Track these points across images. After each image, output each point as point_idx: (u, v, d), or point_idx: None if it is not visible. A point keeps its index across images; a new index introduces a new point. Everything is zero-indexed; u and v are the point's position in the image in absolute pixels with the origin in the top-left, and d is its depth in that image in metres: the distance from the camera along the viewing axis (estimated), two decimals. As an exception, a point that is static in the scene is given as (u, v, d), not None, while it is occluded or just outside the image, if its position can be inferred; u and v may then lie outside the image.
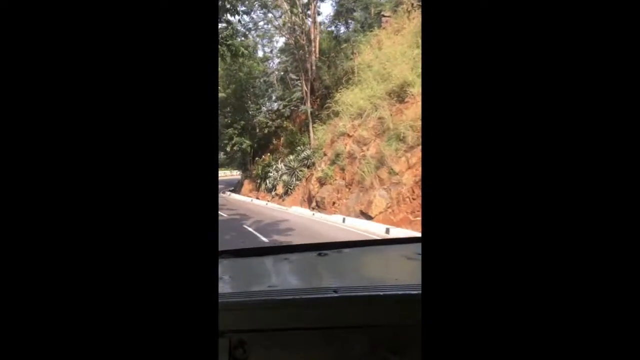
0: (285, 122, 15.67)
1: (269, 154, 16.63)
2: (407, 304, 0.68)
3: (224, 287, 0.86)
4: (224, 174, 35.18)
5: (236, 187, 19.37)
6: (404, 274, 0.98)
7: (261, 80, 18.28)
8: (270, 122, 16.46)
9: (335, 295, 0.70)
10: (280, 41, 18.51)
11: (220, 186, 24.21)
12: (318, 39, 15.22)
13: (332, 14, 20.51)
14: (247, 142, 16.97)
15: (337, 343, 0.69)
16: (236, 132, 17.16)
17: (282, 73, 17.51)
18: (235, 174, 32.01)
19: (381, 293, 0.72)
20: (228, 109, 18.16)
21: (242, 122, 17.65)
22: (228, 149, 17.51)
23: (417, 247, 1.03)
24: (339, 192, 9.44)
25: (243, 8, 13.80)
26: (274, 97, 18.16)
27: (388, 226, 6.90)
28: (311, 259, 1.12)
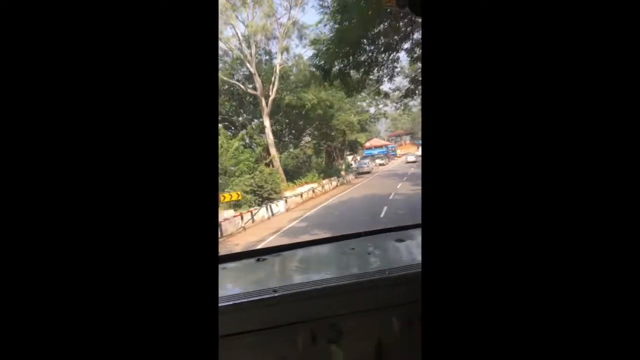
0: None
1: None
2: (341, 296, 0.81)
3: None
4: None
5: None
6: (337, 269, 1.10)
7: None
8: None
9: (275, 294, 0.78)
10: None
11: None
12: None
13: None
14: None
15: (280, 341, 0.77)
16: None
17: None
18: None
19: (319, 287, 0.81)
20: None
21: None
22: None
23: (351, 243, 1.25)
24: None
25: None
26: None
27: None
28: (249, 265, 1.18)
